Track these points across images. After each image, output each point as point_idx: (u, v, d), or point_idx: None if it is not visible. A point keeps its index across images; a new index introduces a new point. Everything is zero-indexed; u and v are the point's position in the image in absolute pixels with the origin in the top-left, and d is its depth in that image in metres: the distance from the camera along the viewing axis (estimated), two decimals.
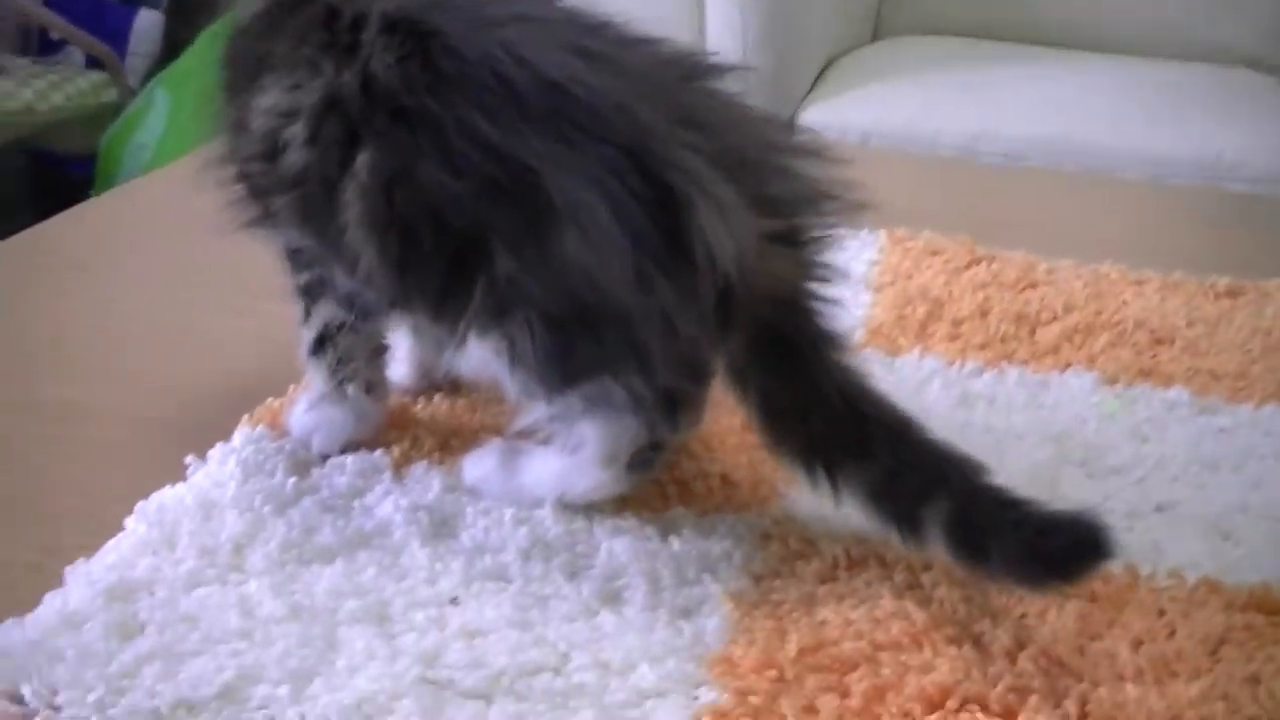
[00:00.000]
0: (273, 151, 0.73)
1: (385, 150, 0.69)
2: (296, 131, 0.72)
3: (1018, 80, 2.42)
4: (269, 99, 0.73)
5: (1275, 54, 2.65)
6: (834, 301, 0.74)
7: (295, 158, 0.72)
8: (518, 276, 0.68)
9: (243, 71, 0.76)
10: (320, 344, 0.80)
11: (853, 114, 2.25)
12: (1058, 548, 0.65)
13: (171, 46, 3.27)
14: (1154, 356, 0.99)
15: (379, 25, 0.70)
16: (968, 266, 1.12)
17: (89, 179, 3.11)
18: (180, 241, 1.13)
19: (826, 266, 0.74)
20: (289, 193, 0.74)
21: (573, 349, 0.70)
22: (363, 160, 0.70)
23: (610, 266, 0.67)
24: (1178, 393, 0.94)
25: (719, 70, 0.75)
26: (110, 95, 3.12)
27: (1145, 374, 0.97)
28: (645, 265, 0.67)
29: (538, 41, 0.69)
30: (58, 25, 3.14)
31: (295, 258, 0.79)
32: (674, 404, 0.74)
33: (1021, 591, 0.69)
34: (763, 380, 0.73)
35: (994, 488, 0.68)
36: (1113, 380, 0.96)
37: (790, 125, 0.76)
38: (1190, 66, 2.60)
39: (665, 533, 0.74)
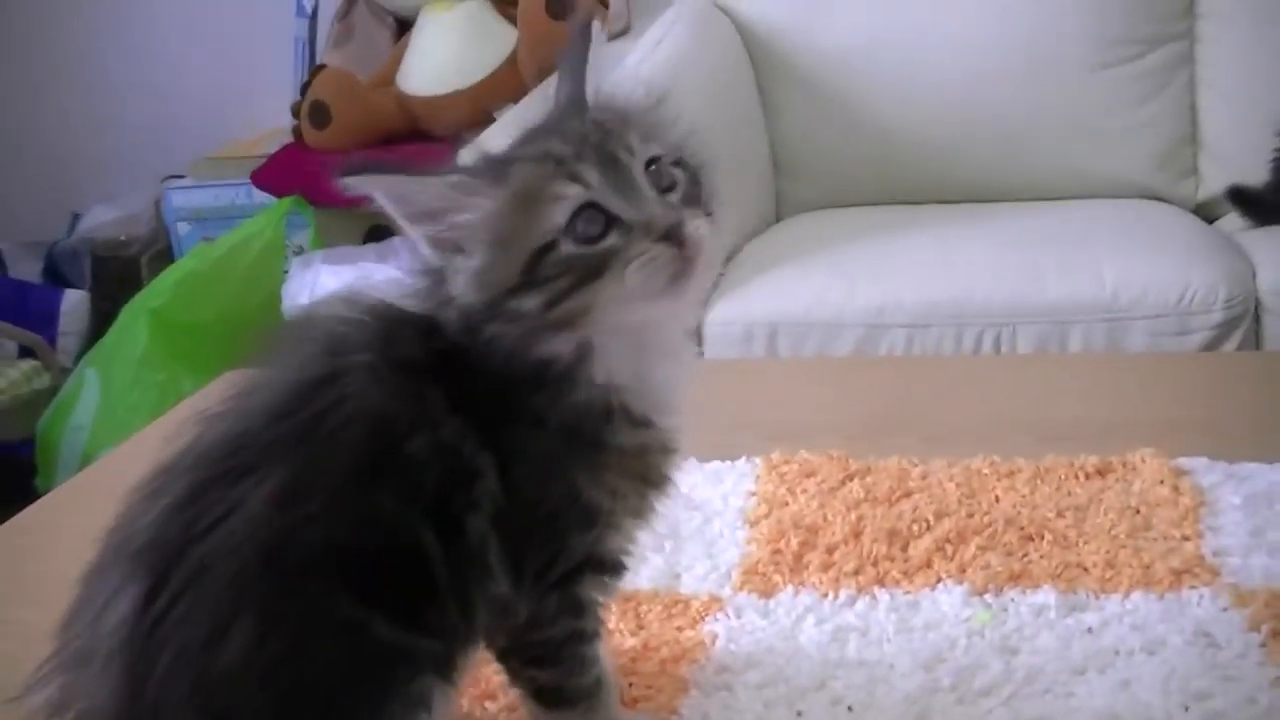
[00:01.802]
0: None
1: None
2: None
3: (920, 245, 2.48)
4: None
5: (1169, 181, 2.73)
6: None
7: None
8: None
9: None
10: None
11: (757, 307, 2.29)
12: None
13: (100, 322, 3.32)
14: (1024, 556, 1.01)
15: None
16: (842, 484, 1.14)
17: (32, 462, 3.13)
18: None
19: None
20: None
21: None
22: None
23: None
24: (1046, 594, 0.96)
25: None
26: (43, 381, 3.16)
27: (1015, 578, 0.98)
28: None
29: None
30: None
31: None
32: None
33: None
34: None
35: None
36: (983, 589, 0.97)
37: None
38: (1092, 204, 2.68)
39: None
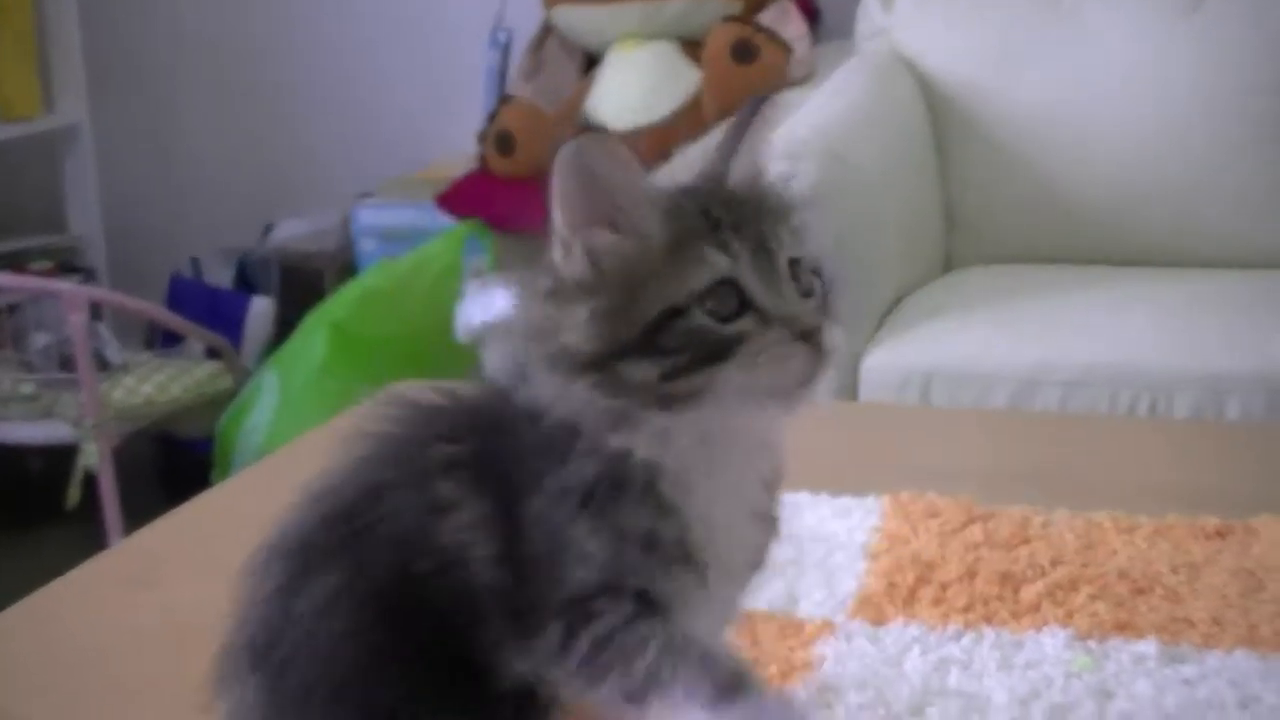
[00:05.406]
0: None
1: None
2: None
3: (1084, 306, 2.49)
4: None
5: None
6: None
7: None
8: None
9: None
10: None
11: (915, 356, 2.32)
12: None
13: (283, 329, 3.47)
14: (1132, 608, 1.04)
15: None
16: (964, 526, 1.18)
17: (210, 459, 3.29)
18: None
19: None
20: None
21: None
22: None
23: None
24: (1148, 645, 0.99)
25: None
26: (225, 382, 3.32)
27: (1120, 627, 1.02)
28: None
29: None
30: (177, 323, 3.36)
31: None
32: None
33: None
34: None
35: None
36: (1086, 636, 1.01)
37: None
38: (1264, 274, 2.64)
39: None
